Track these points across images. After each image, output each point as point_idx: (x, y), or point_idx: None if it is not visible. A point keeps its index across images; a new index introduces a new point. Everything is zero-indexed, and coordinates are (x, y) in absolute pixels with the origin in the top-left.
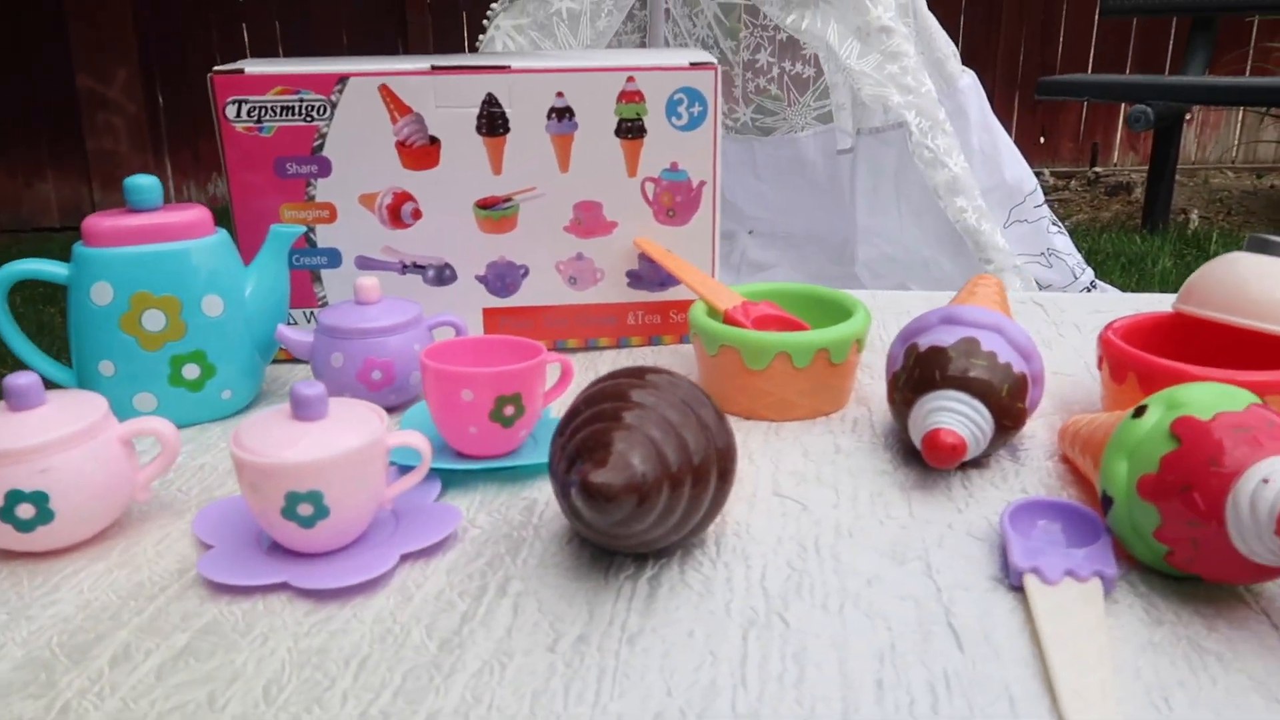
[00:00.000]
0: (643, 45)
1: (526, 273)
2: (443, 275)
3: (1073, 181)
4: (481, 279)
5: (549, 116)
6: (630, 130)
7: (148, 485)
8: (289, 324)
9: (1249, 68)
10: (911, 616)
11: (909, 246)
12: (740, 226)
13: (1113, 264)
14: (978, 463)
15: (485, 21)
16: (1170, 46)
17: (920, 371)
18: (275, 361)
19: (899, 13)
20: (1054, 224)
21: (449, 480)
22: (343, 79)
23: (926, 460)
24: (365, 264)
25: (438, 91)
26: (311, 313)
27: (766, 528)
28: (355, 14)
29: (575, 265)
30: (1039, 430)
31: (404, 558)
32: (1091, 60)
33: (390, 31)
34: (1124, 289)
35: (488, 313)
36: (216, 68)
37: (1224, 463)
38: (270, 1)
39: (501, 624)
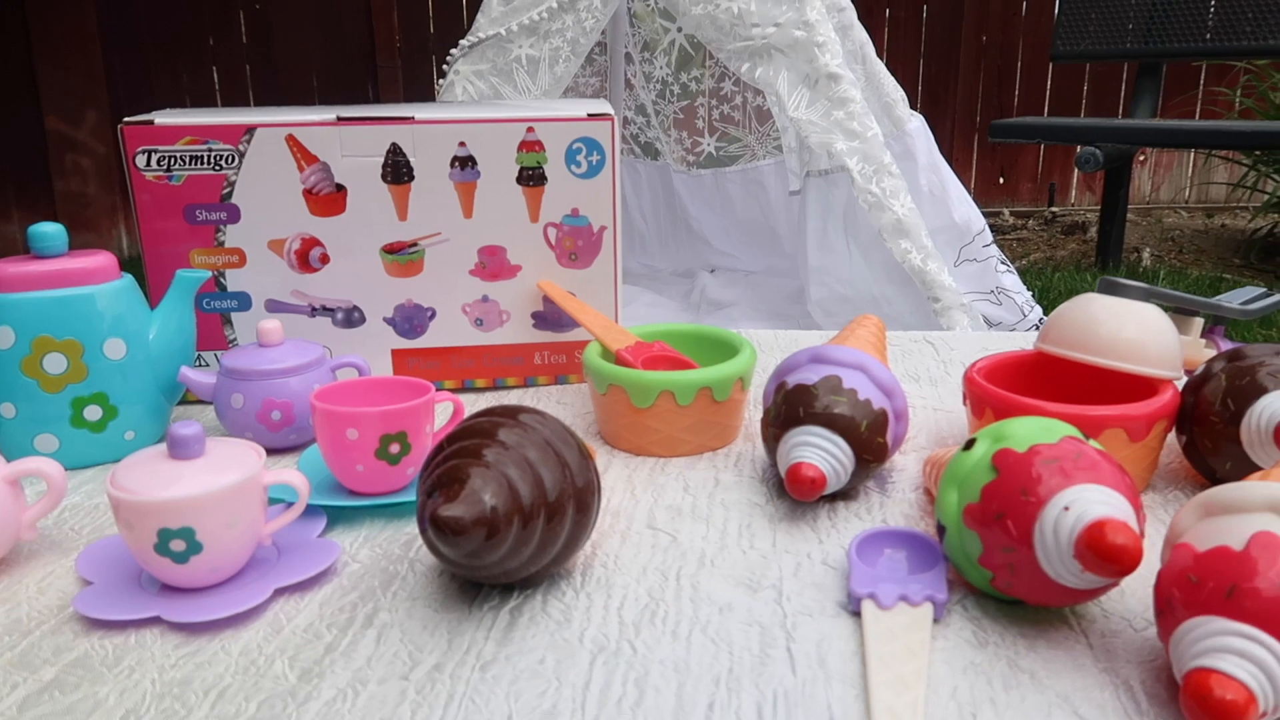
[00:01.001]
0: (603, 89)
1: (434, 315)
2: (351, 318)
3: (1031, 221)
4: (390, 321)
5: (452, 165)
6: (531, 178)
7: (34, 524)
8: (196, 365)
9: (1198, 111)
10: (755, 641)
11: (859, 285)
12: (708, 259)
13: (1064, 301)
14: (846, 494)
15: (445, 67)
16: (1122, 90)
17: (787, 408)
18: (189, 402)
19: (849, 59)
20: (1003, 263)
21: (337, 516)
22: (250, 129)
23: (789, 493)
24: (275, 307)
25: (343, 141)
26: (220, 355)
27: (634, 559)
28: (325, 59)
29: (481, 307)
30: (910, 464)
31: (279, 591)
32: (1047, 103)
33: (360, 76)
34: None
35: (396, 354)
36: (127, 119)
37: (1034, 492)
38: (240, 45)
39: (363, 654)
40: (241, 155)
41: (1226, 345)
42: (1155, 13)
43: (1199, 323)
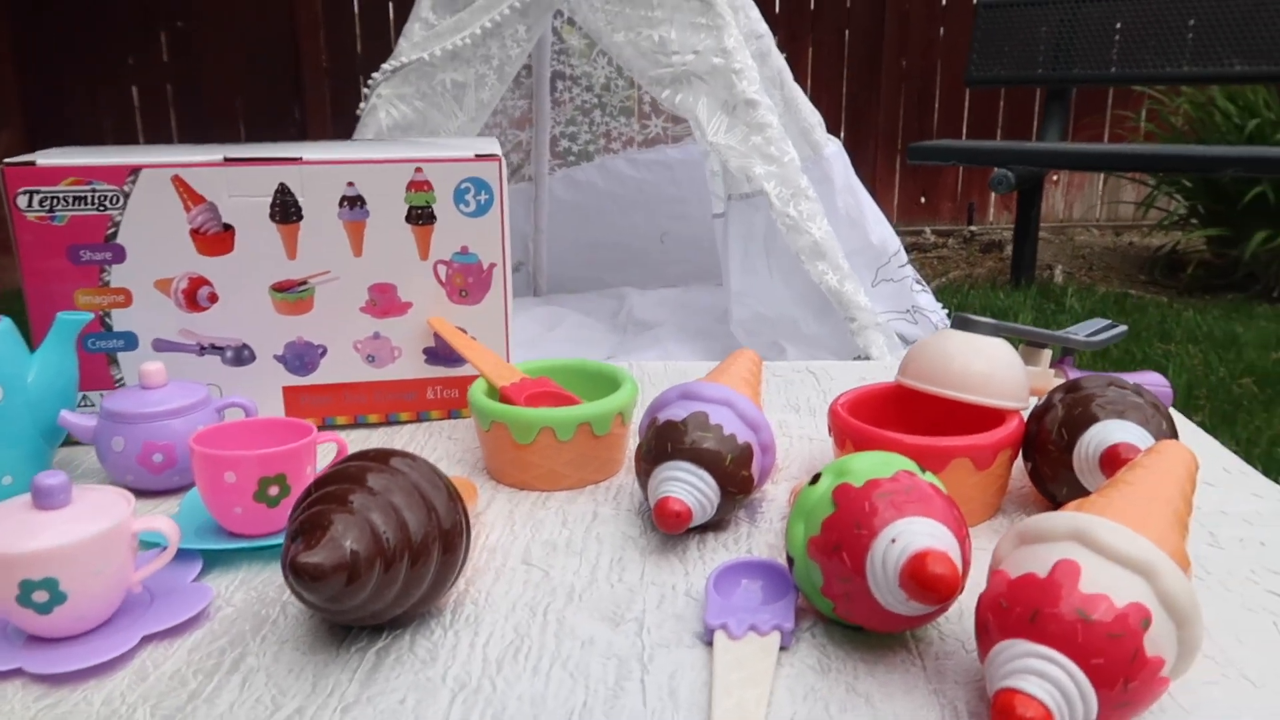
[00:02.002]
0: (530, 110)
1: (325, 352)
2: (241, 356)
3: (951, 239)
4: (280, 359)
5: (341, 204)
6: (420, 217)
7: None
8: (81, 407)
9: (1106, 134)
10: (611, 674)
11: (779, 306)
12: (630, 283)
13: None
14: (716, 525)
15: (365, 90)
16: (1035, 114)
17: (656, 443)
18: (73, 444)
19: (767, 85)
20: (918, 282)
21: (215, 559)
22: (135, 170)
23: (657, 526)
24: (163, 346)
25: (230, 182)
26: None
27: (505, 595)
28: (250, 80)
29: (373, 344)
30: (780, 493)
31: (148, 638)
32: (965, 127)
33: (286, 97)
34: None
35: (288, 391)
36: (7, 160)
37: (866, 525)
38: (161, 65)
39: (226, 700)
40: (126, 195)
41: (1075, 375)
42: (1064, 41)
43: (1048, 354)
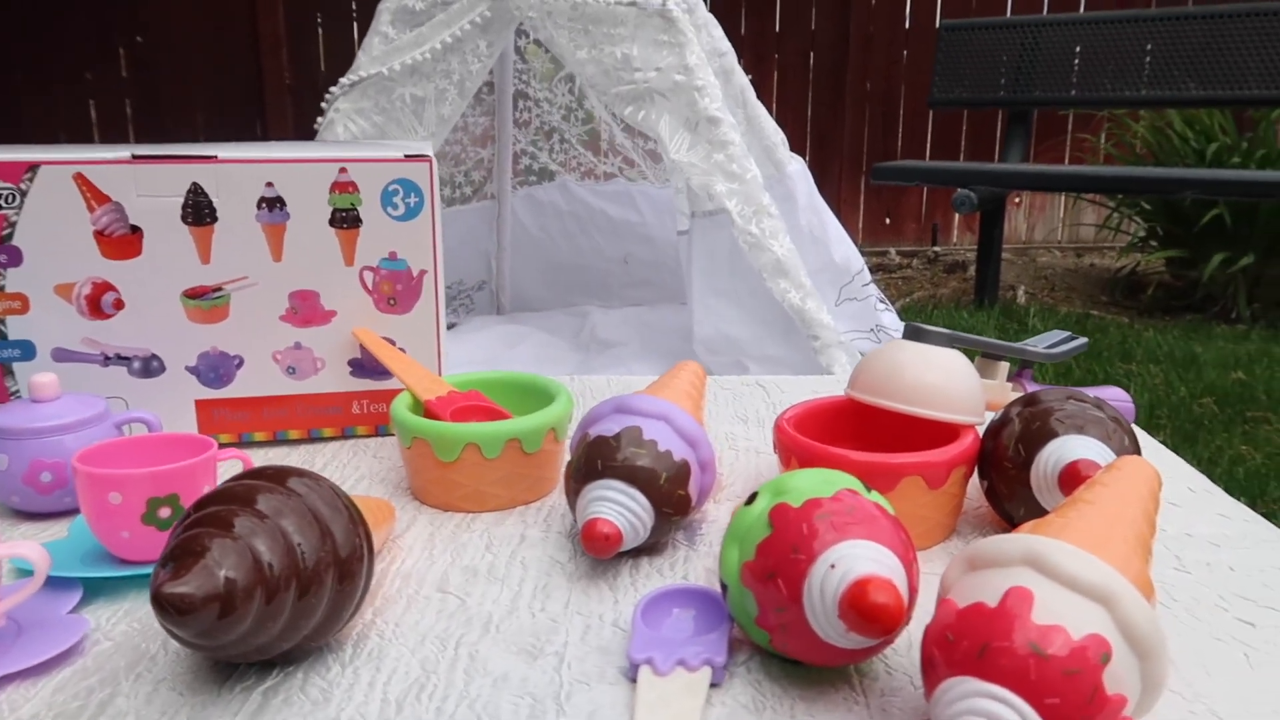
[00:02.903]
0: (492, 127)
1: (241, 363)
2: (150, 367)
3: (915, 260)
4: (193, 370)
5: (259, 206)
6: (345, 220)
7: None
8: None
9: (1067, 156)
10: (523, 715)
11: (742, 325)
12: (593, 302)
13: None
14: (654, 549)
15: (324, 104)
16: (998, 136)
17: (587, 461)
18: None
19: (730, 103)
20: (881, 301)
21: (99, 588)
22: (33, 167)
23: (585, 550)
24: (63, 356)
25: (139, 180)
26: None
27: (415, 626)
28: (211, 96)
29: (294, 355)
30: (722, 514)
31: (8, 678)
32: (928, 148)
33: (248, 113)
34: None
35: (201, 405)
36: None
37: (804, 549)
38: (119, 79)
39: None
40: (23, 194)
41: (1034, 389)
42: (1024, 65)
43: (1004, 367)
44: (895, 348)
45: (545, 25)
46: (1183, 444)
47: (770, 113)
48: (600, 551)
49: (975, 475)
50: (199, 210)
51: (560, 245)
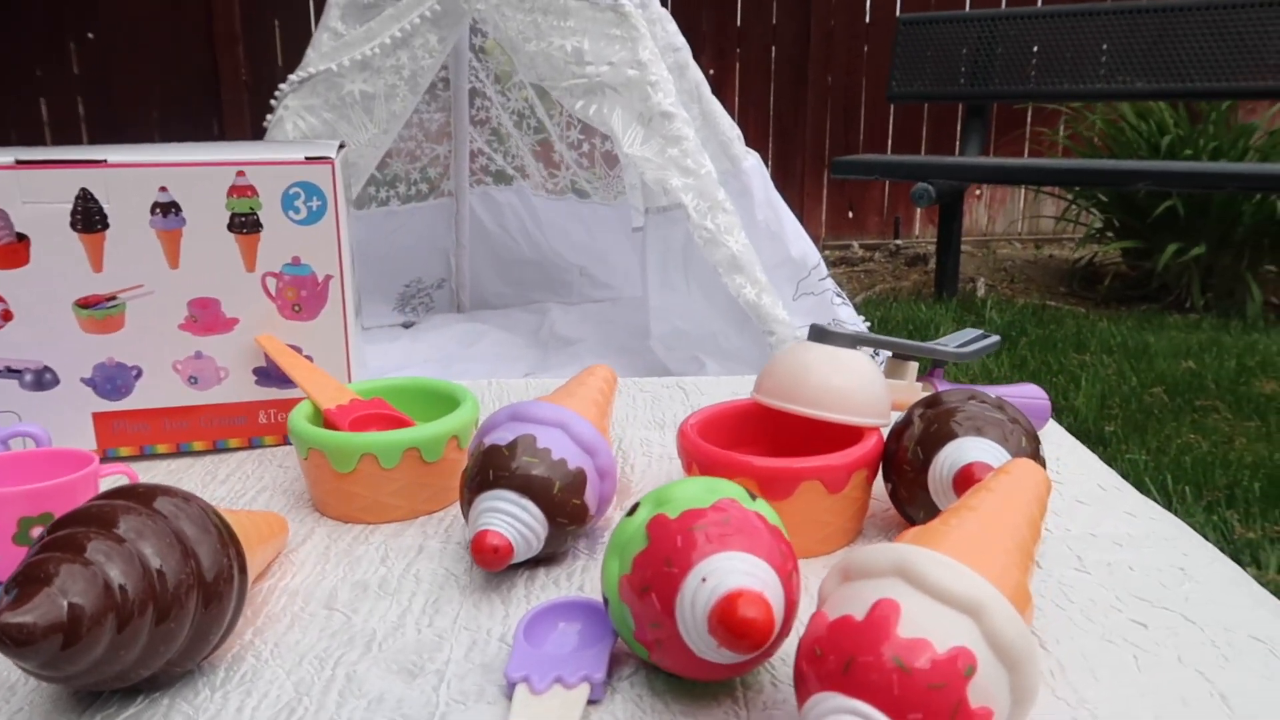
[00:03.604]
0: (448, 124)
1: (140, 374)
2: (42, 379)
3: (877, 253)
4: (89, 382)
5: (153, 211)
6: (244, 225)
7: None
8: None
9: (1026, 149)
10: None
11: (698, 320)
12: (553, 299)
13: (900, 330)
14: (551, 560)
15: (273, 101)
16: (958, 130)
17: (478, 470)
18: None
19: (685, 98)
20: (838, 295)
21: None
22: None
23: (476, 563)
24: None
25: (23, 187)
26: None
27: (296, 646)
28: (167, 92)
29: (195, 364)
30: None
31: None
32: (890, 141)
33: (205, 109)
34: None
35: (99, 418)
36: None
37: (677, 561)
38: (71, 76)
39: None
40: None
41: (945, 388)
42: (982, 58)
43: (914, 367)
44: (800, 350)
45: (495, 18)
46: (1133, 433)
47: (733, 108)
48: (490, 565)
49: (882, 478)
50: (89, 217)
51: (520, 243)
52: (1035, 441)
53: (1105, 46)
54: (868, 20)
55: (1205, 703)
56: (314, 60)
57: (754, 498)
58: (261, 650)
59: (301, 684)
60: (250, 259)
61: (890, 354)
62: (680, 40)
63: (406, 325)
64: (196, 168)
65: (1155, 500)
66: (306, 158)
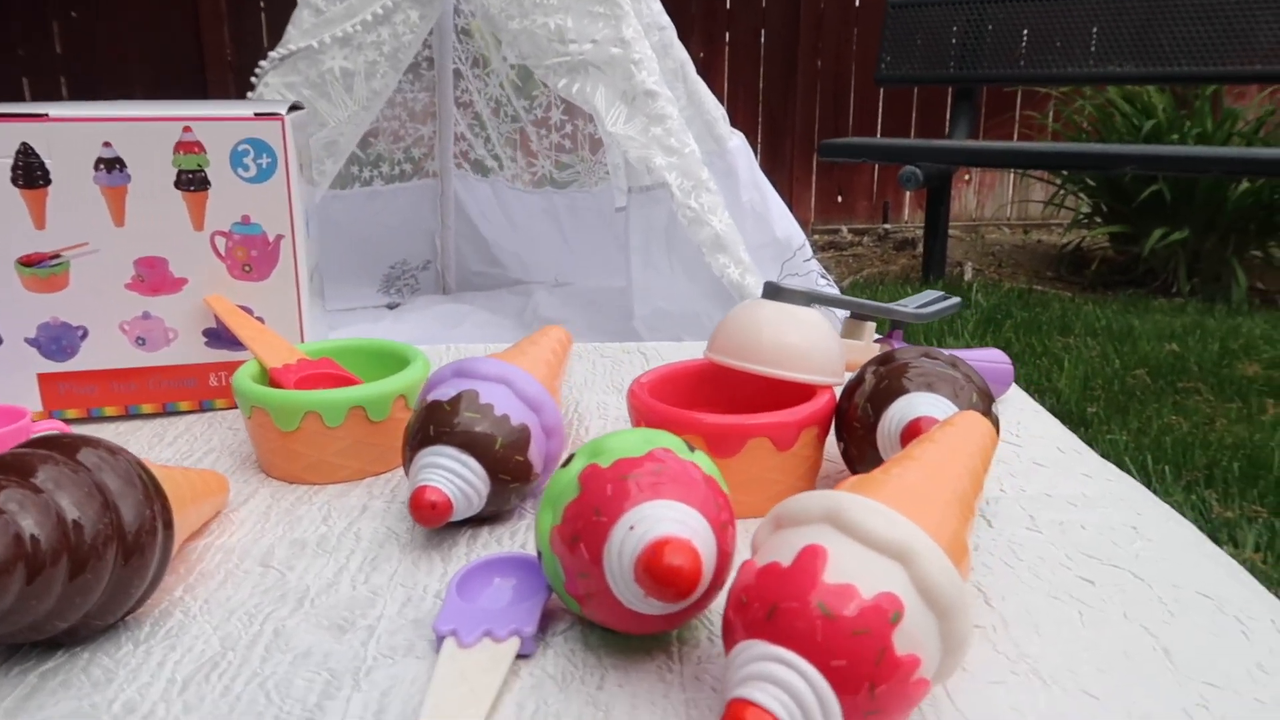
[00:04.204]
0: (432, 104)
1: (86, 334)
2: None
3: (866, 238)
4: (33, 342)
5: (96, 167)
6: (191, 182)
7: None
8: None
9: (1015, 133)
10: (315, 693)
11: (681, 300)
12: (538, 279)
13: None
14: (496, 518)
15: (254, 79)
16: (948, 114)
17: (419, 427)
18: None
19: (670, 77)
20: (823, 277)
21: None
22: None
23: (414, 519)
24: None
25: None
26: None
27: (226, 602)
28: (151, 72)
29: (143, 325)
30: None
31: None
32: (879, 125)
33: (190, 91)
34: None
35: (44, 379)
36: None
37: (606, 510)
38: (54, 55)
39: None
40: None
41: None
42: (971, 42)
43: (871, 327)
44: (754, 307)
45: None
46: (1115, 414)
47: (722, 92)
48: (428, 521)
49: (835, 438)
50: (30, 172)
51: (504, 226)
52: (988, 399)
53: (1095, 30)
54: (858, 4)
55: (1147, 656)
56: (294, 37)
57: (692, 449)
58: (191, 606)
59: (228, 639)
60: (198, 217)
61: (848, 314)
62: (665, 19)
63: (391, 306)
64: (141, 123)
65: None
66: (256, 114)
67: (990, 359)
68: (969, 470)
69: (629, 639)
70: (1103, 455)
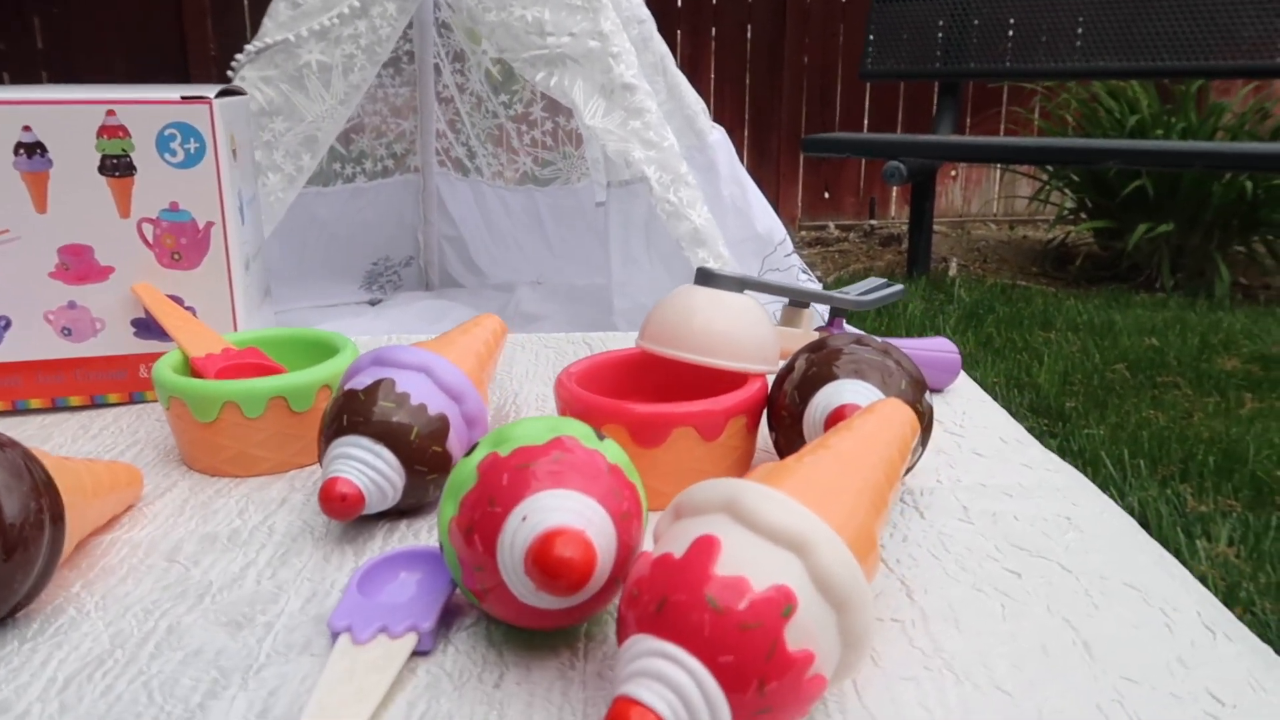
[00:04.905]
0: (413, 98)
1: (8, 324)
2: None
3: (852, 233)
4: None
5: (16, 152)
6: (116, 168)
7: None
8: None
9: (1002, 128)
10: (198, 692)
11: (660, 295)
12: (520, 277)
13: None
14: (417, 510)
15: (230, 73)
16: (934, 109)
17: (334, 417)
18: None
19: (650, 71)
20: (804, 272)
21: None
22: None
23: (324, 512)
24: None
25: None
26: None
27: (124, 598)
28: (133, 68)
29: (68, 314)
30: None
31: None
32: (866, 121)
33: (172, 84)
34: (874, 333)
35: None
36: None
37: (500, 501)
38: (35, 51)
39: None
40: None
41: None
42: (956, 36)
43: (809, 314)
44: (684, 294)
45: None
46: (1093, 409)
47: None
48: (338, 514)
49: (767, 428)
50: None
51: (483, 227)
52: (920, 388)
53: (1080, 24)
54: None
55: (1066, 650)
56: (271, 30)
57: (602, 438)
58: (86, 602)
59: (119, 636)
60: (124, 204)
61: (786, 301)
62: (645, 12)
63: (373, 303)
64: (62, 106)
65: (1111, 475)
66: (182, 97)
67: (937, 348)
68: (884, 459)
69: (534, 635)
70: (1079, 450)
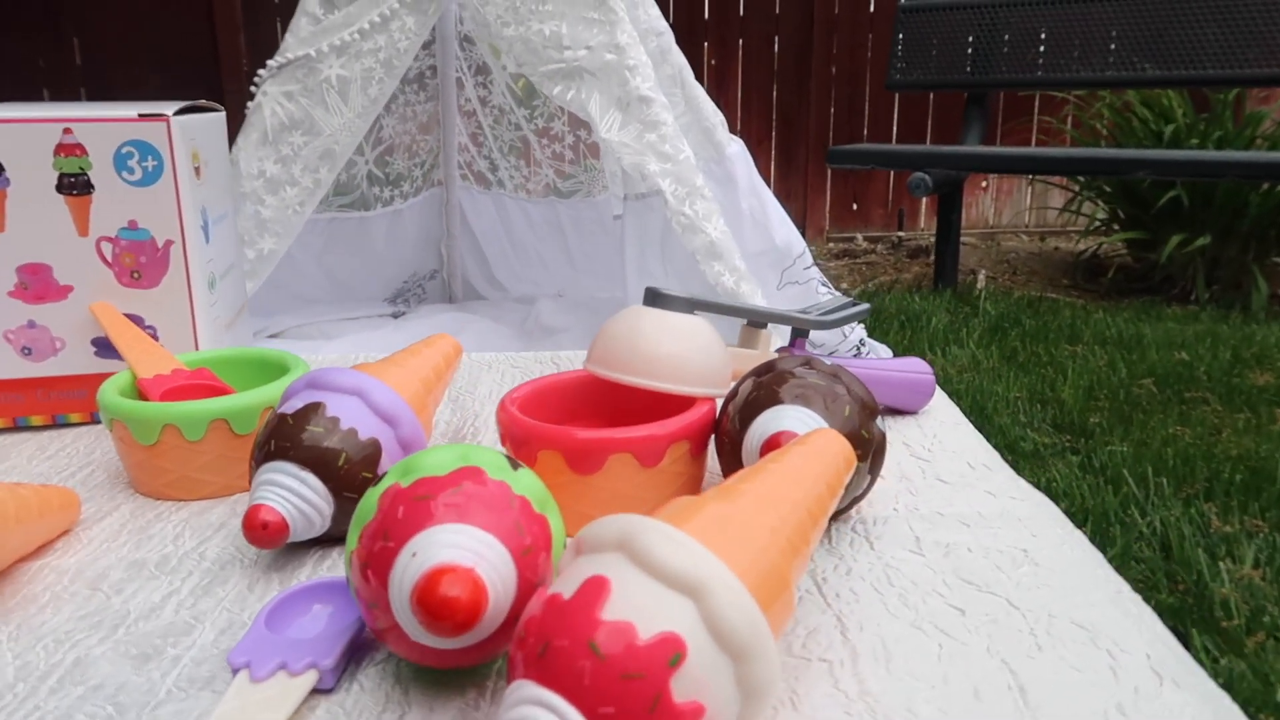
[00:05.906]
0: (437, 113)
1: None
2: None
3: (880, 245)
4: None
5: None
6: (74, 186)
7: None
8: None
9: (1034, 138)
10: None
11: None
12: (541, 290)
13: (892, 321)
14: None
15: (252, 88)
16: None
17: (263, 443)
18: None
19: (668, 83)
20: (824, 284)
21: None
22: None
23: (248, 541)
24: None
25: None
26: None
27: (40, 628)
28: (167, 82)
29: (28, 334)
30: None
31: None
32: (894, 132)
33: (206, 99)
34: (897, 346)
35: None
36: None
37: (394, 535)
38: (73, 72)
39: None
40: None
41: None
42: (986, 46)
43: (766, 335)
44: (631, 315)
45: (472, 2)
46: (1118, 425)
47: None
48: (261, 542)
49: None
50: None
51: (505, 241)
52: (869, 414)
53: (1114, 33)
54: (871, 9)
55: (1000, 695)
56: (292, 45)
57: (516, 468)
58: (0, 633)
59: (25, 669)
60: (83, 222)
61: (745, 321)
62: (663, 24)
63: (395, 315)
64: (17, 124)
65: (1133, 493)
66: (140, 115)
67: (910, 368)
68: (809, 495)
69: (444, 673)
70: (1101, 467)
